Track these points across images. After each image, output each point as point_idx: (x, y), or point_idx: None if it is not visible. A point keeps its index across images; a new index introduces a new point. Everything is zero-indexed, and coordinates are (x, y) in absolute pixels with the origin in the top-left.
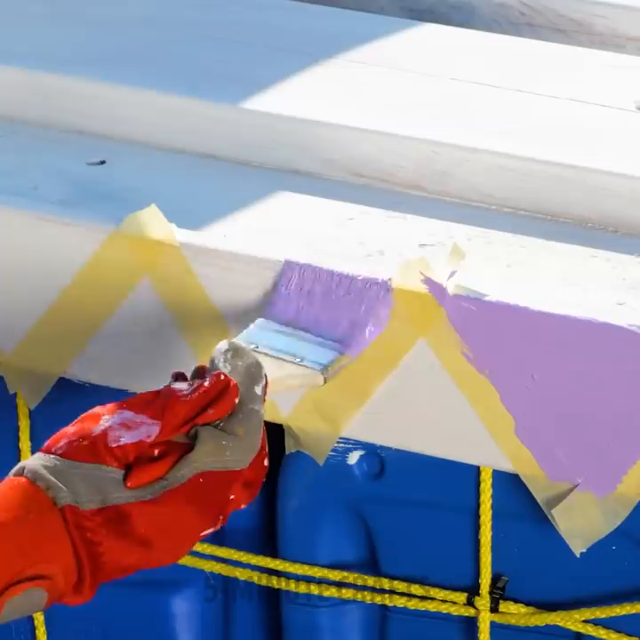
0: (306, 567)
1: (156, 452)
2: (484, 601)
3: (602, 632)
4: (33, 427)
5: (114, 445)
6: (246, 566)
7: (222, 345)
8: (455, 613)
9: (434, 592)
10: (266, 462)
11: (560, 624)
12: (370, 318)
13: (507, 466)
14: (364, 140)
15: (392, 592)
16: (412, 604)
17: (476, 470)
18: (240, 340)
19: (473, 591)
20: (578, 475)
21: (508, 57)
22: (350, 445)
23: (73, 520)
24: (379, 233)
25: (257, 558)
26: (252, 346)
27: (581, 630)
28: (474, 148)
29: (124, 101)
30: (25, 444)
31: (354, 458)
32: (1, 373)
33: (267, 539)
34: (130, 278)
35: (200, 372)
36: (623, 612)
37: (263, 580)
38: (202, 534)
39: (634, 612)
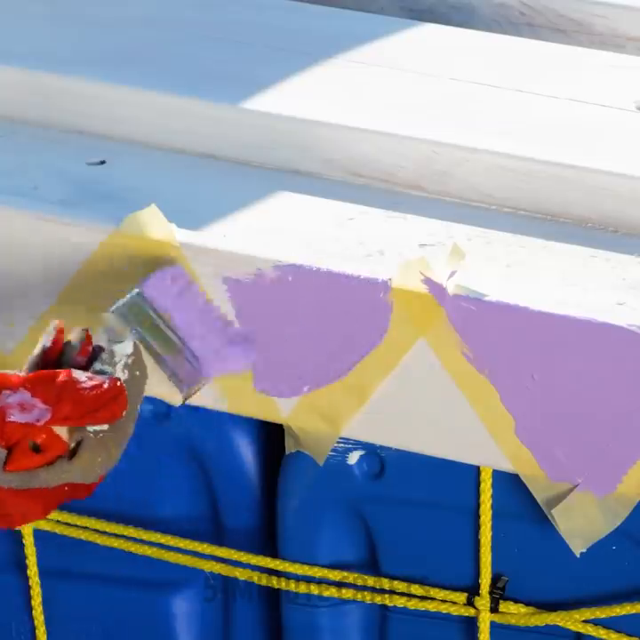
0: (306, 567)
1: (39, 440)
2: (484, 601)
3: (602, 632)
4: None
5: (6, 420)
6: (246, 566)
7: (128, 346)
8: (455, 613)
9: (434, 592)
10: (100, 480)
11: (560, 624)
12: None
13: (507, 466)
14: (363, 140)
15: (392, 592)
16: (412, 604)
17: (476, 470)
18: (122, 311)
19: (473, 591)
20: (578, 475)
21: (508, 57)
22: (350, 445)
23: None
24: (379, 233)
25: (257, 558)
26: (132, 333)
27: (581, 630)
28: (474, 148)
29: (123, 101)
30: None
31: (354, 458)
32: None
33: (267, 539)
34: (130, 278)
35: (85, 343)
36: (623, 612)
37: (263, 580)
38: (28, 519)
39: (634, 612)
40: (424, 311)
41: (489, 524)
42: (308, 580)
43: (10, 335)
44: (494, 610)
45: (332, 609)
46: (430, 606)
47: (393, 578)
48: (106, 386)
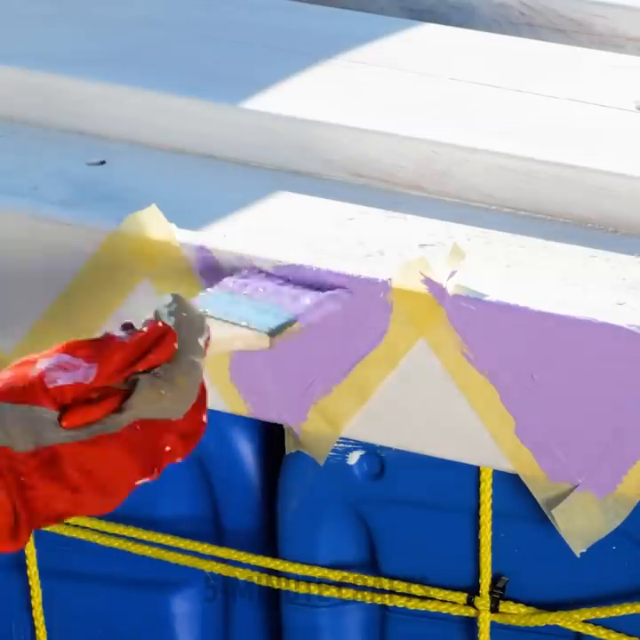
0: (306, 567)
1: (95, 396)
2: (484, 601)
3: (602, 632)
4: None
5: (50, 386)
6: (246, 566)
7: (166, 298)
8: (455, 613)
9: (434, 592)
10: (204, 418)
11: (560, 624)
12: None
13: (507, 466)
14: (363, 141)
15: (392, 592)
16: (412, 605)
17: (476, 470)
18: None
19: (473, 591)
20: (578, 475)
21: (508, 57)
22: (350, 445)
23: (6, 463)
24: (379, 233)
25: (257, 558)
26: (200, 310)
27: (581, 630)
28: (473, 148)
29: (123, 102)
30: None
31: (354, 458)
32: None
33: (267, 539)
34: (130, 278)
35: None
36: (623, 612)
37: (263, 581)
38: (136, 484)
39: (634, 612)
40: (424, 311)
41: (489, 524)
42: (308, 580)
43: (10, 335)
44: (494, 610)
45: (332, 609)
46: (430, 606)
47: (393, 578)
48: (145, 330)
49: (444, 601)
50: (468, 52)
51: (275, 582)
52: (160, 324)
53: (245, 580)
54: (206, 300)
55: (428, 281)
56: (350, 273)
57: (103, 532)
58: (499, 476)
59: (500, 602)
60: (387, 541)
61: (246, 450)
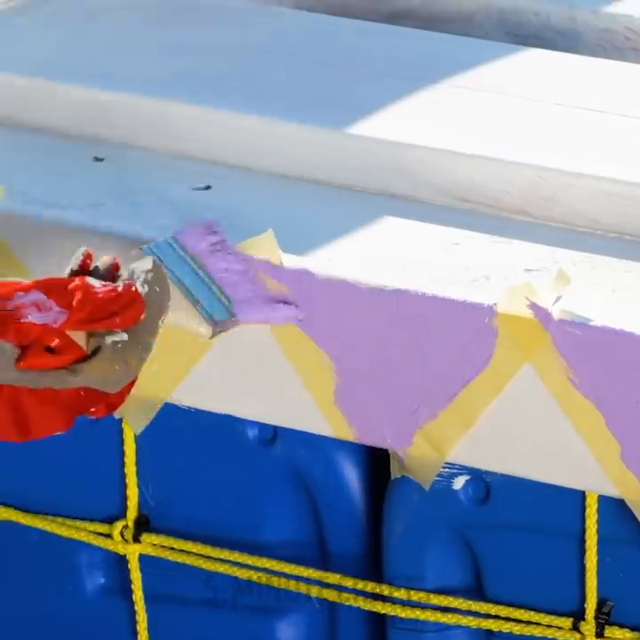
0: (411, 592)
1: (54, 343)
2: (589, 626)
3: None
4: (138, 452)
5: (21, 320)
6: (351, 591)
7: (147, 262)
8: (560, 638)
9: (539, 617)
10: (124, 394)
11: None
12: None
13: (612, 491)
14: (469, 165)
15: (497, 617)
16: (518, 629)
17: (582, 495)
18: (152, 246)
19: (578, 616)
20: None
21: (613, 82)
22: (455, 470)
23: None
24: (484, 258)
25: (362, 583)
26: (160, 264)
27: None
28: (579, 173)
29: (229, 126)
30: (131, 469)
31: (459, 483)
32: None
33: (372, 563)
34: None
35: (111, 270)
36: None
37: (368, 605)
38: (51, 431)
39: None
40: (529, 336)
41: (594, 549)
42: (414, 604)
43: None
44: (600, 635)
45: (438, 634)
46: (535, 631)
47: (498, 603)
48: (120, 290)
49: (549, 626)
50: (572, 76)
51: (380, 607)
52: (133, 288)
53: (350, 605)
54: (178, 266)
55: (533, 306)
56: (455, 298)
57: (208, 557)
58: (604, 500)
59: (606, 627)
60: (492, 566)
61: (351, 475)
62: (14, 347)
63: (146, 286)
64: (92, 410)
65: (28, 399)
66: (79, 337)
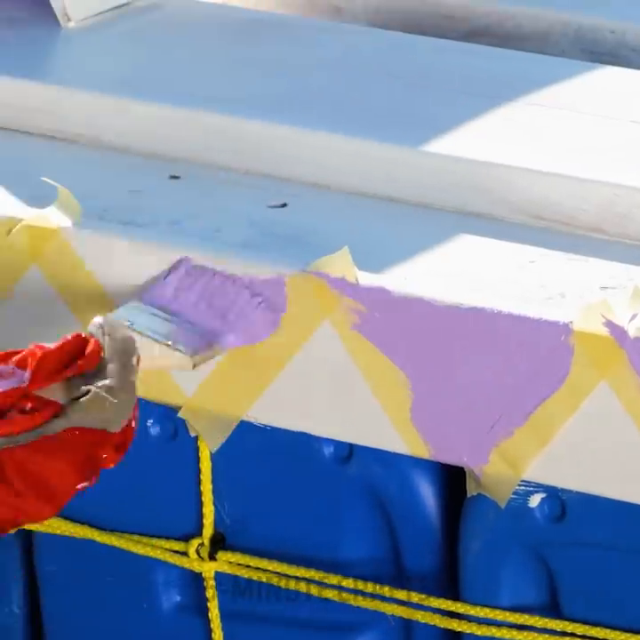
0: (487, 610)
1: (29, 405)
2: None
3: None
4: (214, 470)
5: None
6: (427, 609)
7: (97, 319)
8: None
9: (614, 635)
10: (134, 428)
11: None
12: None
13: None
14: (544, 183)
15: (573, 635)
16: None
17: None
18: (114, 316)
19: None
20: None
21: None
22: (531, 488)
23: None
24: (560, 276)
25: (438, 601)
26: (127, 324)
27: None
28: None
29: (305, 144)
30: (206, 487)
31: (535, 501)
32: (183, 416)
33: (448, 581)
34: (313, 321)
35: None
36: None
37: (444, 623)
38: (76, 488)
39: None
40: (605, 354)
41: None
42: (490, 622)
43: (192, 377)
44: None
45: None
46: None
47: (574, 621)
48: (70, 337)
49: None
50: None
51: (455, 625)
52: (82, 334)
53: (426, 623)
54: (134, 315)
55: (609, 324)
56: (531, 316)
57: (284, 575)
58: None
59: None
60: (568, 584)
61: (427, 492)
62: None
63: (105, 339)
64: (104, 456)
65: (31, 458)
66: (56, 391)
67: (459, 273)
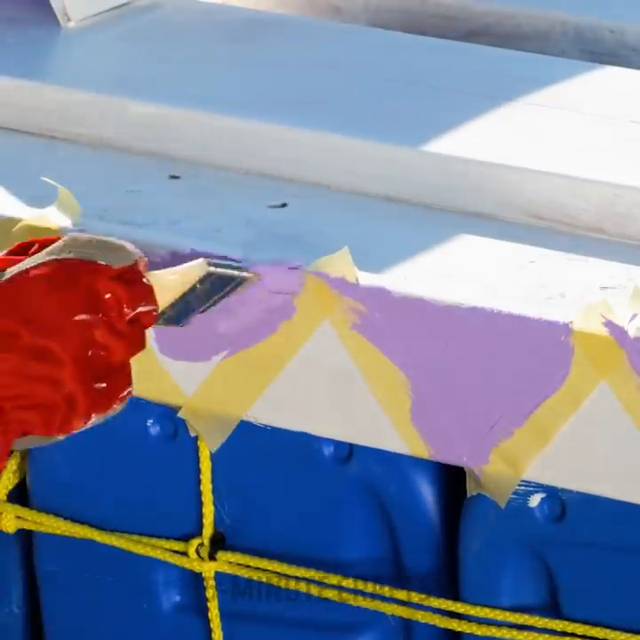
0: (487, 610)
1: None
2: None
3: None
4: (214, 470)
5: None
6: (427, 609)
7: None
8: None
9: (614, 635)
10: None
11: None
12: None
13: None
14: (544, 183)
15: (573, 635)
16: None
17: None
18: None
19: None
20: None
21: None
22: (531, 488)
23: None
24: (560, 276)
25: (438, 601)
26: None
27: None
28: None
29: (304, 144)
30: (206, 487)
31: (535, 500)
32: (183, 416)
33: (448, 581)
34: (312, 321)
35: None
36: None
37: (444, 623)
38: (78, 319)
39: None
40: (605, 354)
41: None
42: (490, 622)
43: (192, 377)
44: None
45: None
46: None
47: (574, 621)
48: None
49: None
50: None
51: (455, 625)
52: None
53: (426, 623)
54: None
55: (609, 324)
56: (531, 316)
57: (284, 575)
58: None
59: None
60: (568, 584)
61: (427, 492)
62: None
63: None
64: (108, 296)
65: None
66: None
67: (459, 273)
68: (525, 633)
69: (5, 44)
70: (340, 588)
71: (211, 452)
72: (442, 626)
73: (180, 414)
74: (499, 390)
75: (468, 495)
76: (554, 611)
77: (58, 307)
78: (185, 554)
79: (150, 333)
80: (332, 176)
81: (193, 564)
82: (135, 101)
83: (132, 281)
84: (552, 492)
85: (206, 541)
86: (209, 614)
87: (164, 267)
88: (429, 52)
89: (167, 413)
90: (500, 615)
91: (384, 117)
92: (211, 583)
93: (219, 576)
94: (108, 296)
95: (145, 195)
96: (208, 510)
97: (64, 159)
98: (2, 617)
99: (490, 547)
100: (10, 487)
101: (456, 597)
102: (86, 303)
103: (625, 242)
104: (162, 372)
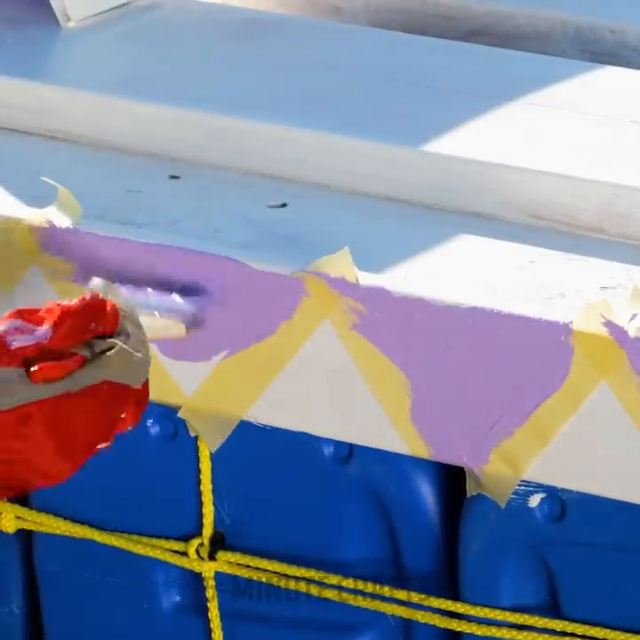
0: (487, 610)
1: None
2: None
3: None
4: (214, 470)
5: (13, 346)
6: (427, 609)
7: (98, 280)
8: None
9: (614, 635)
10: (148, 389)
11: None
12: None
13: None
14: (544, 183)
15: (573, 635)
16: None
17: None
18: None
19: None
20: None
21: None
22: (531, 488)
23: None
24: (560, 276)
25: (438, 601)
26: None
27: None
28: None
29: (305, 144)
30: (206, 487)
31: (535, 500)
32: (183, 416)
33: (448, 581)
34: (312, 321)
35: None
36: None
37: (444, 623)
38: (96, 447)
39: None
40: (605, 354)
41: None
42: (489, 622)
43: (192, 377)
44: None
45: None
46: None
47: (574, 621)
48: (88, 297)
49: None
50: None
51: (455, 625)
52: (99, 295)
53: (426, 623)
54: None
55: (609, 324)
56: (531, 316)
57: (284, 575)
58: None
59: None
60: (568, 584)
61: (427, 492)
62: (17, 367)
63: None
64: (123, 416)
65: (57, 411)
66: (77, 351)
67: (458, 273)
68: (525, 633)
69: (5, 44)
70: (340, 588)
71: (211, 452)
72: (442, 626)
73: (179, 414)
74: (499, 390)
75: (468, 495)
76: (554, 611)
77: (81, 432)
78: (185, 554)
79: None
80: (332, 176)
81: (193, 564)
82: (135, 101)
83: (145, 400)
84: (552, 492)
85: (206, 541)
86: (209, 614)
87: (164, 268)
88: (429, 51)
89: (167, 413)
90: (499, 615)
91: (384, 117)
92: (211, 583)
93: (219, 576)
94: (122, 415)
95: (145, 195)
96: (208, 510)
97: (64, 159)
98: (2, 617)
99: (490, 547)
100: None
101: (456, 597)
102: (106, 432)
103: (625, 242)
104: (162, 372)
